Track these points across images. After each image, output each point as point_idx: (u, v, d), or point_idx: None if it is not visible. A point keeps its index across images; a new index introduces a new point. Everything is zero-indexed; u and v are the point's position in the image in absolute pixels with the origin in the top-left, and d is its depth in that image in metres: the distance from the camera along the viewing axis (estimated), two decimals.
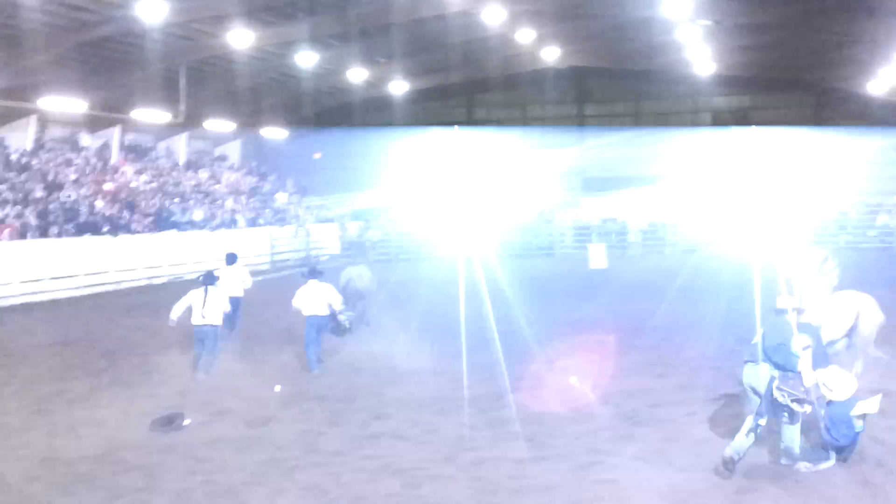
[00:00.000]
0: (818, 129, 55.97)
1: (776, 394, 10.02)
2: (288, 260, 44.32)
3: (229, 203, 45.20)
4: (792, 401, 9.95)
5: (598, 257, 37.32)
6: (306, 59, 44.88)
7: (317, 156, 59.06)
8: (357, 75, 49.99)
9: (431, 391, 14.83)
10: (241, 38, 39.27)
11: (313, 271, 17.85)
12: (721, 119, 58.32)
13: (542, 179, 58.27)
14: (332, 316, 17.63)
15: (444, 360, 17.48)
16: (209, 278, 16.81)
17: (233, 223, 43.19)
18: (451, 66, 52.12)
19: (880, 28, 40.78)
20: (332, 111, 58.69)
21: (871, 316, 12.69)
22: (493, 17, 40.82)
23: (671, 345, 18.28)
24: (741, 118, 57.61)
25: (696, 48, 47.51)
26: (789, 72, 53.26)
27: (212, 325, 16.36)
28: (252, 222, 44.84)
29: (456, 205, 52.53)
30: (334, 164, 60.34)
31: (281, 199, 50.80)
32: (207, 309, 16.29)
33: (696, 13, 41.51)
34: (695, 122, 58.59)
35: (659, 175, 57.87)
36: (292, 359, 18.09)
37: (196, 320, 16.34)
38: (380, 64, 50.74)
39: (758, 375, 10.56)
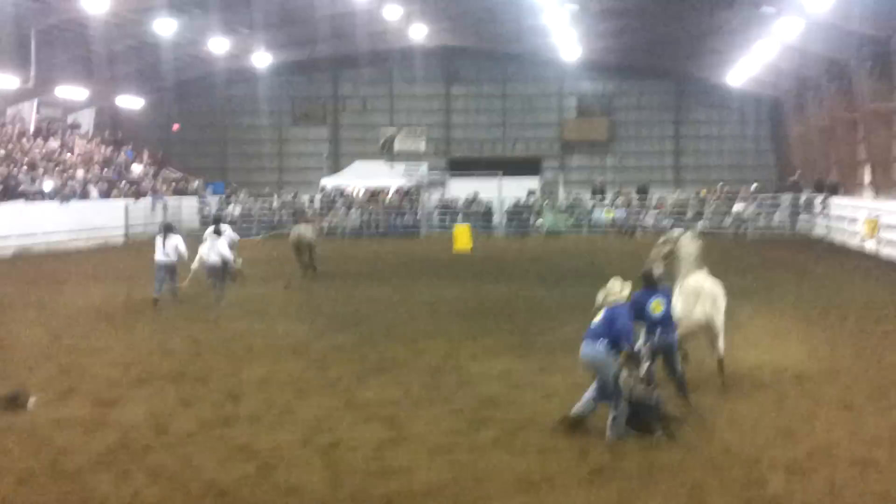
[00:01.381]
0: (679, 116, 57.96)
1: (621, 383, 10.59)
2: (143, 234, 42.86)
3: (81, 173, 43.36)
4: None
5: (463, 238, 37.27)
6: (165, 26, 43.41)
7: (175, 127, 57.49)
8: (218, 45, 48.60)
9: (289, 372, 14.37)
10: (96, 2, 37.60)
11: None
12: (586, 103, 59.30)
13: (408, 159, 58.38)
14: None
15: (304, 339, 17.10)
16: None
17: (85, 194, 41.47)
18: (318, 39, 51.41)
19: (739, 20, 41.96)
20: (192, 82, 57.18)
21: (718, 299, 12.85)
22: None
23: (532, 327, 18.20)
24: (606, 103, 58.76)
25: (563, 33, 47.93)
26: (652, 59, 54.47)
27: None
28: (106, 194, 43.14)
29: (321, 184, 52.13)
30: (194, 137, 59.03)
31: (136, 170, 49.06)
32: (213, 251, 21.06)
33: None
34: (560, 107, 59.44)
35: (526, 157, 58.77)
36: (146, 336, 17.49)
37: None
38: (242, 34, 49.44)
39: (594, 351, 10.82)
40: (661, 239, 14.03)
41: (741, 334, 16.15)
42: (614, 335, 10.72)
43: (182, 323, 18.88)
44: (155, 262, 21.34)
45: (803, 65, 43.73)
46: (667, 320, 11.83)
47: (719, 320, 12.77)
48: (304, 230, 27.56)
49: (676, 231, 14.27)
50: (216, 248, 21.21)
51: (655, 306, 11.74)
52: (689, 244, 13.38)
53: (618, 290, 11.10)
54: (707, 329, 12.81)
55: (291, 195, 51.37)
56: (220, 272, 21.34)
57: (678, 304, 12.57)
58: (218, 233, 21.64)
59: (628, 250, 32.86)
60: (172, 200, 46.88)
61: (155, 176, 49.84)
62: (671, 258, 13.34)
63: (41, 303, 22.10)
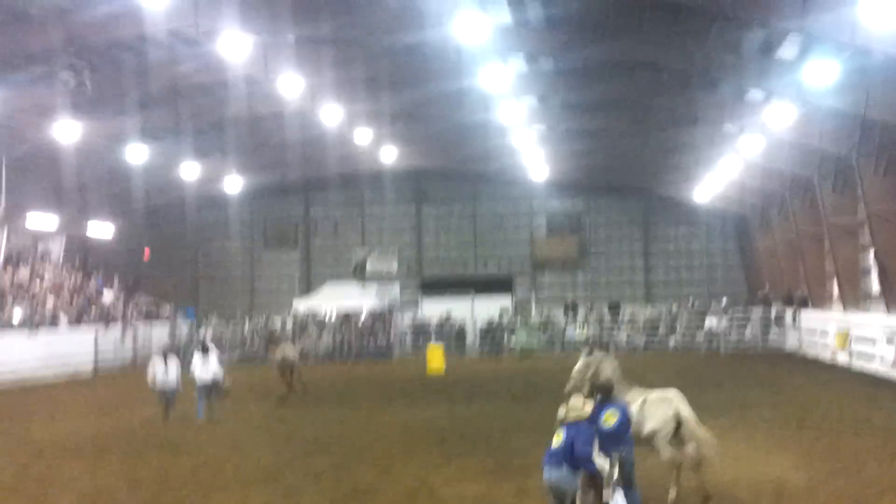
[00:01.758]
0: (648, 233, 58.60)
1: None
2: (113, 361, 42.39)
3: (51, 301, 42.98)
4: None
5: (436, 359, 37.01)
6: (137, 153, 43.76)
7: (146, 253, 57.35)
8: (190, 171, 48.94)
9: (261, 501, 14.04)
10: (67, 130, 37.91)
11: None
12: (556, 222, 59.92)
13: (380, 279, 58.43)
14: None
15: (276, 466, 16.76)
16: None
17: (54, 322, 41.02)
18: (289, 163, 51.97)
19: (702, 138, 42.89)
20: (163, 207, 57.37)
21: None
22: (330, 116, 40.85)
23: (508, 448, 17.94)
24: (575, 221, 59.41)
25: (531, 153, 48.76)
26: (619, 177, 55.41)
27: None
28: (76, 322, 42.69)
29: (293, 307, 51.91)
30: (165, 262, 58.91)
31: (107, 297, 48.69)
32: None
33: (529, 119, 42.69)
34: (530, 225, 60.02)
35: (498, 275, 58.98)
36: (114, 468, 17.05)
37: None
38: (214, 159, 49.93)
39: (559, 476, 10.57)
40: (582, 362, 13.93)
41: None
42: (575, 458, 10.49)
43: (152, 452, 18.52)
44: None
45: (767, 181, 44.52)
46: (619, 434, 11.49)
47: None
48: (289, 350, 29.00)
49: (597, 354, 14.07)
50: (209, 366, 23.12)
51: (608, 418, 11.51)
52: (608, 366, 13.38)
53: (580, 406, 10.98)
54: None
55: (263, 319, 51.03)
56: (212, 389, 23.13)
57: (648, 417, 12.50)
58: (206, 350, 23.54)
59: None
60: (143, 327, 46.40)
61: (126, 303, 49.45)
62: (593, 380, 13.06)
63: (8, 434, 21.68)
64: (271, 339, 33.00)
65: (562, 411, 10.99)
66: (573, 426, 10.77)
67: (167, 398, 23.06)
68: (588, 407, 11.03)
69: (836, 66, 28.22)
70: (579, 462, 10.52)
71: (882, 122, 30.96)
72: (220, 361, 24.51)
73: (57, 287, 45.95)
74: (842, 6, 24.57)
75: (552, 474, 10.57)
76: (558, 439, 10.69)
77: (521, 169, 53.13)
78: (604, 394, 11.88)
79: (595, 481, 10.74)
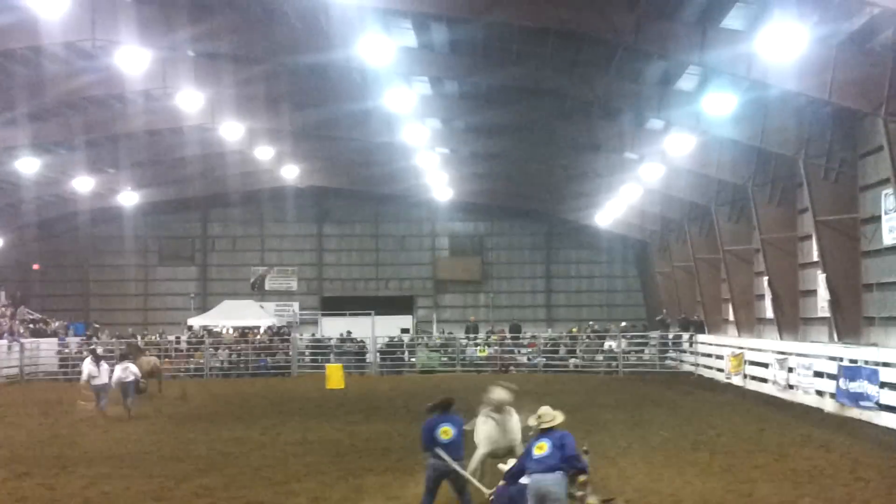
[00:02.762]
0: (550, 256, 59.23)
1: None
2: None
3: None
4: None
5: (335, 376, 36.67)
6: (27, 165, 42.45)
7: (35, 267, 55.70)
8: (83, 184, 47.63)
9: None
10: None
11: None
12: (458, 243, 60.13)
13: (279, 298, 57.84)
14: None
15: (166, 483, 16.25)
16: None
17: None
18: (187, 178, 51.14)
19: (604, 164, 43.56)
20: (54, 220, 55.79)
21: None
22: (230, 133, 40.31)
23: (406, 465, 17.69)
24: (478, 243, 59.69)
25: (434, 175, 48.82)
26: (522, 201, 55.95)
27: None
28: None
29: (190, 322, 50.99)
30: (55, 277, 57.34)
31: None
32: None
33: (432, 141, 42.76)
34: (433, 246, 60.11)
35: (400, 295, 58.87)
36: None
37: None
38: (109, 173, 48.76)
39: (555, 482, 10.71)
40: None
41: (615, 468, 16.26)
42: (567, 460, 10.65)
43: (35, 469, 17.75)
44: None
45: (667, 208, 45.36)
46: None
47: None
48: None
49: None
50: (130, 369, 27.37)
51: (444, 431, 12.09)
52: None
53: (551, 413, 11.09)
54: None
55: (157, 335, 49.91)
56: (133, 387, 27.00)
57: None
58: (98, 360, 27.63)
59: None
60: (30, 342, 44.90)
61: (12, 317, 47.82)
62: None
63: None
64: (130, 351, 34.97)
65: (532, 421, 11.24)
66: (551, 433, 10.87)
67: (100, 393, 26.71)
68: (560, 417, 11.10)
69: (733, 98, 29.01)
70: (572, 463, 10.66)
71: (776, 153, 31.95)
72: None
73: None
74: (739, 41, 25.27)
75: (545, 480, 10.51)
76: (542, 448, 10.70)
77: (424, 190, 53.15)
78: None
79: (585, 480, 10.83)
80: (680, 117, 33.31)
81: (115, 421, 25.83)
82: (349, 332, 48.07)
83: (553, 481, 10.51)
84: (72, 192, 49.08)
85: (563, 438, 10.78)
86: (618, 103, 35.40)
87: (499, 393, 13.33)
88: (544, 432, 10.92)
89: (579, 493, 10.75)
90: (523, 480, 10.88)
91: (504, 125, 40.99)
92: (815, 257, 30.83)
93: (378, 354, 46.80)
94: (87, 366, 27.25)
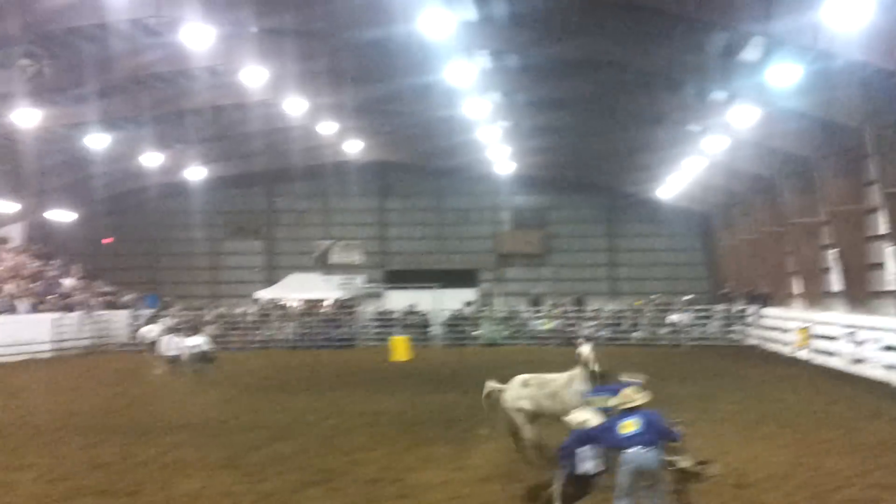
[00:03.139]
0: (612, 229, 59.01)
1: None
2: (72, 348, 42.14)
3: (9, 287, 42.50)
4: None
5: (400, 348, 37.04)
6: (97, 141, 43.30)
7: (107, 241, 56.85)
8: (152, 160, 48.50)
9: (223, 485, 13.94)
10: (26, 117, 37.45)
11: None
12: (521, 216, 60.10)
13: (344, 271, 58.42)
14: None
15: (239, 451, 16.67)
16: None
17: (12, 308, 40.59)
18: (252, 154, 51.69)
19: (666, 137, 43.17)
20: (124, 195, 56.85)
21: None
22: (294, 108, 40.64)
23: (472, 436, 17.92)
24: (540, 216, 59.60)
25: (496, 148, 48.79)
26: (584, 174, 55.68)
27: None
28: (34, 308, 42.23)
29: (257, 295, 51.80)
30: (127, 250, 58.49)
31: (67, 283, 48.20)
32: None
33: (494, 115, 42.72)
34: (496, 220, 60.19)
35: (463, 269, 59.08)
36: (75, 450, 16.96)
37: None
38: (176, 149, 49.54)
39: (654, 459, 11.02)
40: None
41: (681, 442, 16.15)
42: (662, 435, 11.06)
43: (113, 437, 18.34)
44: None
45: (730, 180, 44.91)
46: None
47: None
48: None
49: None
50: (199, 340, 31.25)
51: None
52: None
53: (632, 394, 11.43)
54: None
55: (226, 308, 50.83)
56: (201, 357, 30.60)
57: None
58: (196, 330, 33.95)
59: (567, 360, 32.81)
60: (103, 314, 46.02)
61: (86, 290, 49.00)
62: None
63: None
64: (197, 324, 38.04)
65: (614, 401, 11.73)
66: (636, 411, 11.17)
67: (172, 363, 30.73)
68: (639, 396, 11.40)
69: (798, 69, 28.49)
70: (665, 436, 11.10)
71: (842, 124, 31.39)
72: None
73: (16, 273, 45.44)
74: (805, 10, 24.79)
75: (647, 456, 10.81)
76: (634, 425, 10.96)
77: (486, 164, 53.19)
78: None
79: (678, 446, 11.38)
80: (744, 89, 32.89)
81: (188, 390, 26.70)
82: (413, 305, 48.43)
83: (649, 457, 10.80)
84: (140, 167, 49.98)
85: (650, 415, 11.11)
86: (680, 75, 35.10)
87: (584, 349, 14.83)
88: (629, 411, 11.17)
89: (672, 459, 11.10)
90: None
91: (566, 98, 40.82)
92: (883, 230, 30.35)
93: (442, 327, 47.15)
94: (160, 336, 31.50)
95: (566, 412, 13.08)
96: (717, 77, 33.56)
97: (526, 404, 15.23)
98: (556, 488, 11.24)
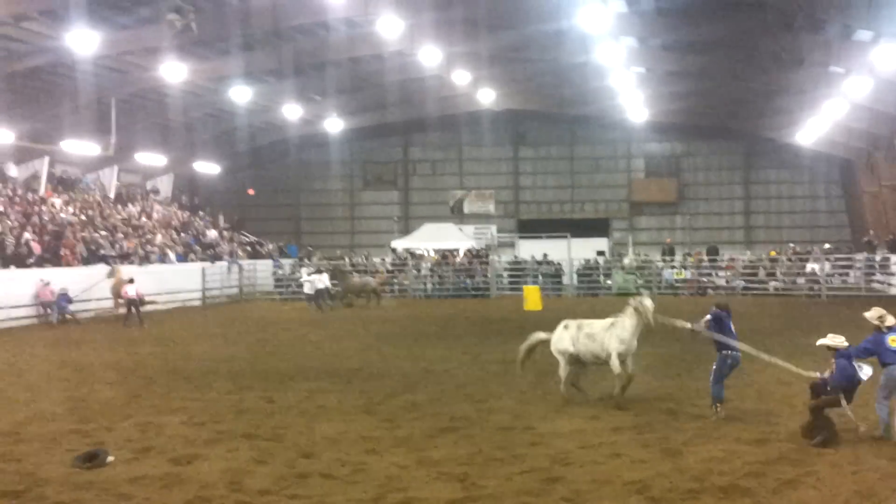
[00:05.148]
0: (748, 176, 57.60)
1: None
2: (219, 297, 43.91)
3: (160, 237, 44.45)
4: None
5: (533, 298, 37.33)
6: (240, 94, 44.56)
7: (250, 192, 58.63)
8: (292, 112, 49.70)
9: (361, 430, 14.45)
10: (173, 71, 38.79)
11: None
12: (654, 164, 59.23)
13: (477, 221, 58.79)
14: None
15: (376, 398, 17.20)
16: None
17: (163, 258, 42.45)
18: (388, 105, 52.26)
19: (807, 80, 41.75)
20: (266, 147, 58.41)
21: None
22: (429, 58, 40.90)
23: (604, 386, 18.09)
24: (674, 164, 58.61)
25: (630, 95, 48.14)
26: (720, 120, 54.35)
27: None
28: (183, 257, 44.10)
29: (393, 244, 52.75)
30: (268, 201, 60.15)
31: (212, 234, 50.09)
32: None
33: (628, 60, 42.11)
34: (628, 168, 59.50)
35: (595, 218, 58.80)
36: (221, 396, 17.77)
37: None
38: (315, 101, 50.56)
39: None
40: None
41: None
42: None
43: (257, 383, 19.14)
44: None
45: (874, 123, 43.26)
46: None
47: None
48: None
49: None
50: (323, 280, 39.38)
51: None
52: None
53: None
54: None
55: (364, 256, 51.95)
56: (325, 294, 38.77)
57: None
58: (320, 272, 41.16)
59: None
60: (247, 263, 47.64)
61: (231, 240, 50.79)
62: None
63: (119, 363, 22.63)
64: (336, 274, 41.78)
65: (874, 313, 13.64)
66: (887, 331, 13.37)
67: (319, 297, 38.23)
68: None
69: None
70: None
71: None
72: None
73: (166, 223, 47.43)
74: None
75: None
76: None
77: (619, 111, 52.54)
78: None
79: None
80: (891, 27, 31.47)
81: (325, 339, 27.51)
82: (546, 255, 48.52)
83: None
84: (281, 119, 51.26)
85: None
86: (822, 14, 33.79)
87: (647, 302, 16.09)
88: (884, 332, 13.32)
89: None
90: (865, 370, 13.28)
91: (702, 42, 39.87)
92: None
93: (575, 276, 47.15)
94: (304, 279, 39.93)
95: (605, 354, 15.91)
96: (862, 15, 32.12)
97: (567, 346, 16.41)
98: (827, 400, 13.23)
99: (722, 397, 14.82)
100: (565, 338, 16.53)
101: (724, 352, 14.78)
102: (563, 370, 16.49)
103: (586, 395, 16.58)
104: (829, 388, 13.33)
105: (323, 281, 39.51)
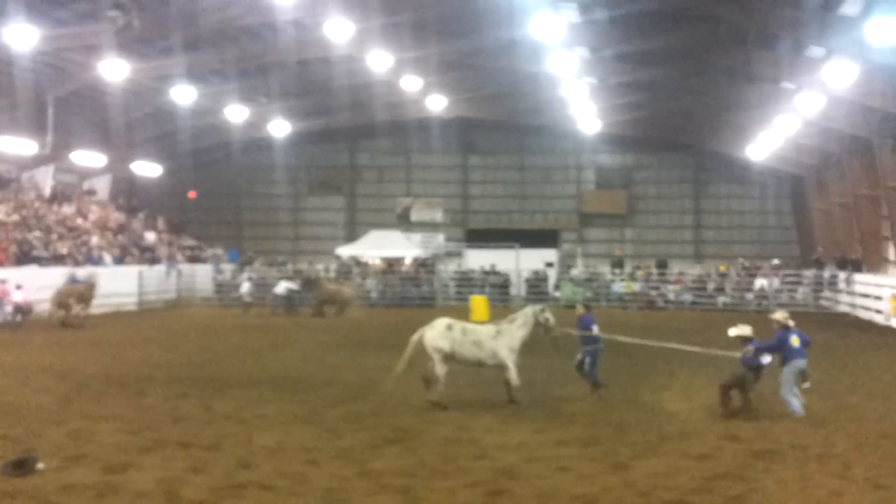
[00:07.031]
0: (699, 190, 57.86)
1: None
2: (156, 301, 42.93)
3: (95, 239, 43.30)
4: None
5: (480, 308, 36.84)
6: (183, 94, 43.71)
7: (191, 195, 57.61)
8: (237, 114, 48.90)
9: (302, 440, 14.02)
10: (114, 69, 37.85)
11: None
12: (605, 176, 59.30)
13: (424, 229, 58.32)
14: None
15: (317, 408, 16.78)
16: None
17: (98, 260, 41.32)
18: (336, 109, 51.73)
19: (759, 95, 41.92)
20: (209, 149, 57.55)
21: None
22: (378, 63, 40.43)
23: (550, 397, 17.92)
24: (625, 176, 58.70)
25: (581, 105, 48.04)
26: (671, 133, 54.59)
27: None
28: (119, 260, 43.00)
29: (338, 251, 52.07)
30: (210, 205, 59.19)
31: (151, 237, 49.01)
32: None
33: (580, 71, 41.97)
34: (579, 179, 59.49)
35: (544, 228, 58.63)
36: (157, 402, 17.26)
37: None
38: (261, 103, 49.82)
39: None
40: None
41: (768, 410, 16.16)
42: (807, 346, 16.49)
43: (194, 390, 18.62)
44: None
45: (825, 140, 43.57)
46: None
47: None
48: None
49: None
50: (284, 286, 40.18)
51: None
52: None
53: (784, 315, 16.81)
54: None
55: (305, 264, 51.24)
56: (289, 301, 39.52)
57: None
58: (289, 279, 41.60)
59: (649, 323, 32.51)
60: (187, 268, 46.72)
61: (170, 243, 49.78)
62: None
63: (51, 367, 21.93)
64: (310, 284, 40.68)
65: (779, 315, 16.74)
66: (792, 330, 16.12)
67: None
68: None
69: None
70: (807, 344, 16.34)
71: None
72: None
73: (102, 225, 46.29)
74: None
75: (804, 361, 16.02)
76: (796, 340, 15.99)
77: (570, 121, 52.47)
78: None
79: None
80: (842, 44, 31.61)
81: (266, 347, 27.07)
82: (493, 265, 48.17)
83: (805, 362, 16.05)
84: (225, 121, 50.46)
85: (799, 331, 16.28)
86: (775, 30, 33.92)
87: (550, 315, 17.90)
88: (789, 329, 16.06)
89: None
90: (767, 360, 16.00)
91: (655, 53, 39.83)
92: None
93: (524, 286, 46.86)
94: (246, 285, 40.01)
95: (494, 362, 17.14)
96: (813, 32, 32.27)
97: (444, 345, 17.07)
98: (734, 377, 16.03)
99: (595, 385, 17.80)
100: (445, 337, 17.12)
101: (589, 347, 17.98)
102: (439, 368, 16.94)
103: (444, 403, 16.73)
104: (738, 372, 16.03)
105: (290, 286, 40.23)
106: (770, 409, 16.18)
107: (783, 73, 38.26)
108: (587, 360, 17.91)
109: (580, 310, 18.89)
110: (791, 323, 16.24)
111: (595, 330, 18.02)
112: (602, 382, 17.88)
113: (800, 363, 15.90)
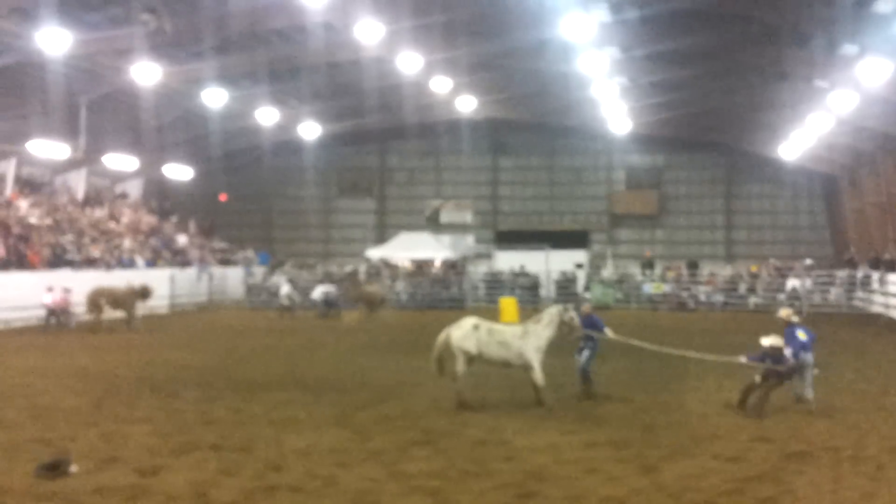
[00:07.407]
0: (730, 190, 57.43)
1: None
2: (187, 304, 43.16)
3: (128, 242, 43.60)
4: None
5: (509, 310, 36.77)
6: (214, 97, 43.87)
7: (222, 197, 57.88)
8: (267, 116, 49.03)
9: (332, 442, 14.01)
10: (146, 73, 38.08)
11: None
12: (635, 176, 58.98)
13: (454, 231, 58.29)
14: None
15: (348, 409, 16.74)
16: None
17: (131, 263, 41.59)
18: (365, 111, 51.75)
19: (791, 93, 41.54)
20: (240, 152, 57.72)
21: None
22: (408, 65, 40.39)
23: (581, 403, 17.73)
24: (655, 176, 58.37)
25: (612, 105, 47.81)
26: (703, 133, 54.23)
27: None
28: (151, 263, 43.27)
29: (368, 254, 52.13)
30: (241, 207, 59.43)
31: (182, 240, 49.29)
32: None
33: (611, 71, 41.76)
34: (609, 179, 59.22)
35: (574, 229, 58.42)
36: (188, 406, 17.24)
37: None
38: (291, 106, 49.96)
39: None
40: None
41: (800, 410, 16.20)
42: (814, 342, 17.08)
43: (225, 393, 18.69)
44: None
45: (858, 139, 43.12)
46: None
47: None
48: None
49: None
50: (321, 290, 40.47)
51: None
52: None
53: (788, 312, 17.49)
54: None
55: (335, 267, 51.34)
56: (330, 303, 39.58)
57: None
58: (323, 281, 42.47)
59: (679, 325, 32.33)
60: (218, 271, 46.92)
61: (201, 246, 50.04)
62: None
63: (85, 370, 22.08)
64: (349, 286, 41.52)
65: (783, 313, 17.43)
66: (798, 325, 16.83)
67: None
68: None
69: None
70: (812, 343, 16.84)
71: None
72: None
73: (134, 228, 46.60)
74: None
75: (810, 356, 16.60)
76: (804, 335, 16.61)
77: (600, 122, 52.24)
78: None
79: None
80: (876, 42, 31.31)
81: (297, 349, 27.13)
82: (523, 267, 48.05)
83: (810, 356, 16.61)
84: (256, 124, 50.58)
85: (805, 328, 17.00)
86: (808, 28, 33.63)
87: (574, 314, 18.05)
88: (793, 325, 16.75)
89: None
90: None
91: (687, 53, 39.60)
92: None
93: (554, 287, 46.70)
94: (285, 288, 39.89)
95: (521, 362, 17.03)
96: (847, 30, 31.99)
97: (470, 346, 16.99)
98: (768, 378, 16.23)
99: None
100: (471, 337, 17.05)
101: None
102: (461, 366, 17.02)
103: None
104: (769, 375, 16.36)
105: (326, 290, 40.52)
106: (801, 409, 16.05)
107: (816, 71, 37.90)
108: (585, 353, 18.40)
109: (587, 308, 19.45)
110: (795, 319, 17.12)
111: (608, 333, 18.57)
112: (593, 380, 18.37)
113: (807, 357, 16.57)
